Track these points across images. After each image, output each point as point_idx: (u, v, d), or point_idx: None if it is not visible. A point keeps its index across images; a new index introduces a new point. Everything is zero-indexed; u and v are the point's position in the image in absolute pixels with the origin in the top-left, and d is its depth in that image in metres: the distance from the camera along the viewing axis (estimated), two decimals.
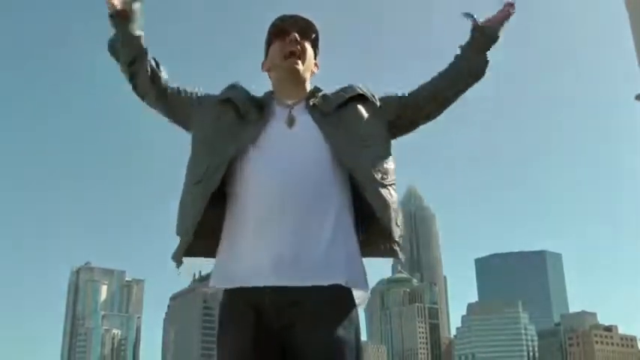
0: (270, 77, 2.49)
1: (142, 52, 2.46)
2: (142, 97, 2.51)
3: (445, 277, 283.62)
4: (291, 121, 2.30)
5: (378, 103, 2.44)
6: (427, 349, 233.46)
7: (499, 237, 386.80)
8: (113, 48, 2.48)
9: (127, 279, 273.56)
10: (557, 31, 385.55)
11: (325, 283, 2.12)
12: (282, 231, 2.15)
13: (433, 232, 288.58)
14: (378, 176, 2.26)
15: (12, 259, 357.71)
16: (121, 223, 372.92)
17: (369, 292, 2.29)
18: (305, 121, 2.31)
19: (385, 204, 2.25)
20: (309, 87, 2.45)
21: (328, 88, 2.48)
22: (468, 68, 2.49)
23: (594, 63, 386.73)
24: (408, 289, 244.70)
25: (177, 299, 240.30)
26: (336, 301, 2.15)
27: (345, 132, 2.28)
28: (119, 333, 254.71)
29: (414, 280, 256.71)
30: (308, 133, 2.28)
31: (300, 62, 2.39)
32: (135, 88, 2.51)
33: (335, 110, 2.33)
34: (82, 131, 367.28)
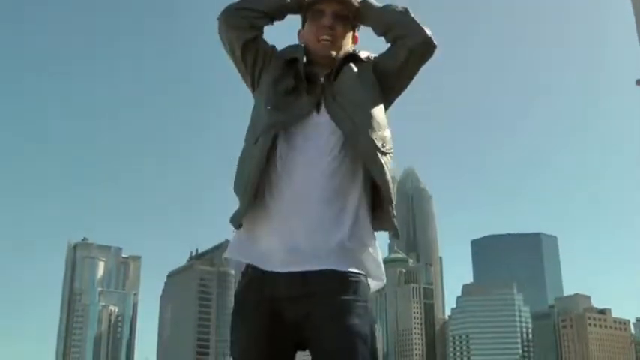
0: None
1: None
2: (245, 40, 2.48)
3: (441, 258, 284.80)
4: (318, 107, 2.35)
5: (373, 62, 2.47)
6: (422, 329, 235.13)
7: (495, 219, 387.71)
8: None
9: (123, 255, 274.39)
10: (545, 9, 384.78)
11: (341, 269, 2.15)
12: (298, 221, 2.18)
13: (430, 213, 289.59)
14: (379, 143, 2.28)
15: (8, 235, 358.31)
16: (118, 200, 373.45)
17: (384, 281, 2.33)
18: (323, 103, 2.36)
19: (383, 172, 2.26)
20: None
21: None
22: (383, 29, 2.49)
23: (595, 44, 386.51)
24: (404, 269, 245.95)
25: (173, 276, 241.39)
26: (351, 289, 2.16)
27: (341, 101, 2.32)
28: (116, 309, 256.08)
29: (410, 261, 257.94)
30: (324, 118, 2.32)
31: (333, 48, 2.43)
32: (252, 37, 2.49)
33: (334, 79, 2.38)
34: (79, 108, 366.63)
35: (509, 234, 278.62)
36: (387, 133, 2.35)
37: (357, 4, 2.45)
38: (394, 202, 2.30)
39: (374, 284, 2.27)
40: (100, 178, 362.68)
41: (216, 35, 2.47)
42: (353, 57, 2.45)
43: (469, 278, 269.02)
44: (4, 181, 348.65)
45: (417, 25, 2.39)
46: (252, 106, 2.47)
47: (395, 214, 2.31)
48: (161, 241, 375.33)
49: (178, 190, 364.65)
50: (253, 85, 2.51)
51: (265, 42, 2.50)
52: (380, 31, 2.48)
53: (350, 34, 2.50)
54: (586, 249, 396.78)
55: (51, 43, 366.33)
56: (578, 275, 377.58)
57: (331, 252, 2.16)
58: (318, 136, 2.28)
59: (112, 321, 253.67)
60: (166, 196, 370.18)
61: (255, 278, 2.22)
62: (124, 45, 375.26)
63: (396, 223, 2.33)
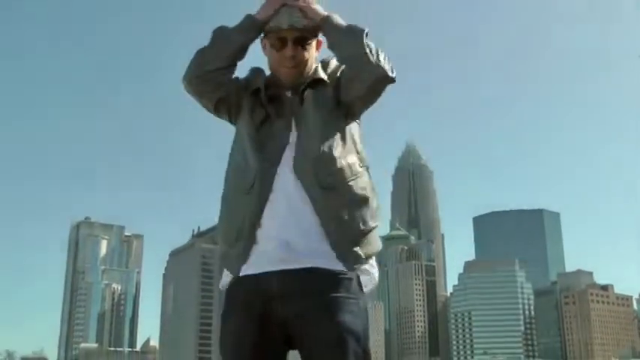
0: (268, 63, 2.54)
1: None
2: (211, 91, 2.48)
3: (443, 235, 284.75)
4: (289, 126, 2.38)
5: (334, 83, 2.45)
6: (423, 306, 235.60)
7: (497, 195, 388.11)
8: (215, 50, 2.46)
9: (126, 234, 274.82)
10: None
11: (333, 267, 2.17)
12: (290, 223, 2.21)
13: (431, 190, 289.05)
14: (322, 178, 2.27)
15: (12, 215, 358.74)
16: (120, 178, 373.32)
17: (377, 280, 2.32)
18: (294, 120, 2.39)
19: (329, 209, 2.24)
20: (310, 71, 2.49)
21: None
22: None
23: (598, 16, 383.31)
24: (405, 247, 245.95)
25: (176, 255, 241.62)
26: (343, 287, 2.17)
27: (304, 126, 2.35)
28: (119, 287, 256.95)
29: (412, 238, 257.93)
30: (295, 137, 2.35)
31: (299, 74, 2.43)
32: (216, 87, 2.46)
33: (300, 101, 2.40)
34: (81, 85, 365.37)
35: (511, 210, 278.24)
36: (342, 162, 2.31)
37: (318, 21, 2.42)
38: (362, 229, 2.28)
39: (365, 280, 2.27)
40: (101, 158, 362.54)
41: None
42: (317, 79, 2.44)
43: (471, 255, 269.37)
44: (6, 163, 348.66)
45: (370, 65, 2.31)
46: (235, 137, 2.48)
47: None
48: (163, 220, 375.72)
49: (180, 168, 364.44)
50: (232, 122, 2.53)
51: (235, 83, 2.49)
52: (336, 57, 2.49)
53: (314, 46, 2.48)
54: (589, 225, 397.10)
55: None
56: (581, 251, 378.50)
57: (323, 250, 2.17)
58: (295, 152, 2.31)
59: (115, 299, 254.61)
60: (168, 174, 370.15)
61: (246, 277, 2.22)
62: None
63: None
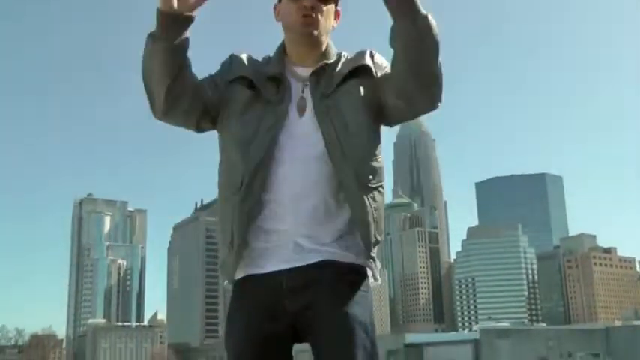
0: (282, 29, 2.31)
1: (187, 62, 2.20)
2: (174, 111, 2.24)
3: (445, 202, 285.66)
4: (301, 110, 2.20)
5: (378, 77, 2.25)
6: (427, 273, 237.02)
7: (500, 161, 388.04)
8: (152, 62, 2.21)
9: (129, 209, 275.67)
10: None
11: (339, 259, 2.14)
12: (294, 219, 2.13)
13: (433, 157, 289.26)
14: (365, 179, 2.17)
15: (16, 194, 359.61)
16: (121, 154, 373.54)
17: (379, 280, 2.29)
18: (309, 106, 2.21)
19: (365, 211, 2.16)
20: (324, 47, 2.28)
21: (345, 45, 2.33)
22: (405, 41, 2.10)
23: None
24: (408, 214, 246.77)
25: (179, 228, 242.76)
26: (350, 279, 2.15)
27: (335, 120, 2.17)
28: (124, 263, 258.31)
29: (415, 205, 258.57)
30: (310, 124, 2.19)
31: (316, 29, 2.22)
32: (172, 106, 2.22)
33: (334, 90, 2.21)
34: (80, 61, 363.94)
35: (513, 175, 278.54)
36: (377, 163, 2.22)
37: (414, 14, 2.08)
38: (378, 240, 2.22)
39: (371, 275, 2.24)
40: (102, 133, 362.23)
41: None
42: (353, 67, 2.24)
43: (474, 221, 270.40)
44: (10, 144, 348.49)
45: (437, 92, 2.17)
46: (221, 143, 2.29)
47: (375, 254, 2.21)
48: (166, 194, 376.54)
49: (181, 142, 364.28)
50: (215, 127, 2.32)
51: (211, 90, 2.25)
52: (395, 51, 2.12)
53: (332, 11, 2.27)
54: (591, 189, 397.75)
55: None
56: (584, 215, 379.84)
57: (329, 244, 2.14)
58: (305, 141, 2.16)
59: (121, 274, 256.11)
60: (170, 148, 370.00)
61: (255, 275, 2.18)
62: None
63: (373, 267, 2.21)
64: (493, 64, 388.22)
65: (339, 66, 2.26)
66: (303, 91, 2.22)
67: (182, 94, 2.18)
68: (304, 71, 2.25)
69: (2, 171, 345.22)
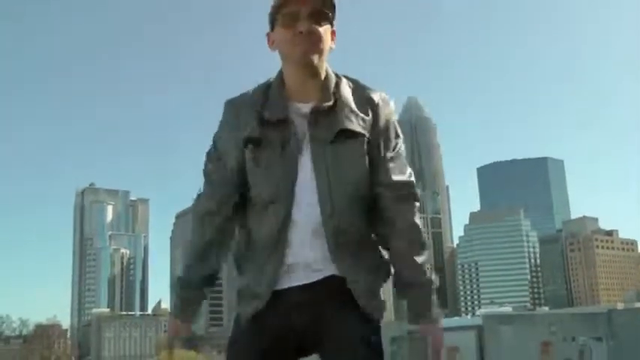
0: (280, 57, 2.21)
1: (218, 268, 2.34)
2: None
3: (447, 187, 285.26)
4: (300, 149, 2.13)
5: (380, 148, 2.21)
6: (430, 258, 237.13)
7: (501, 145, 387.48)
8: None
9: (131, 198, 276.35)
10: None
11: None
12: (298, 242, 2.13)
13: (434, 142, 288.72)
14: (344, 231, 2.13)
15: (16, 183, 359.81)
16: (122, 143, 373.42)
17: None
18: (307, 150, 2.14)
19: (349, 267, 2.14)
20: (324, 73, 2.18)
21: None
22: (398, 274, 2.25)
23: None
24: None
25: (182, 217, 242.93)
26: (354, 293, 2.14)
27: (331, 174, 2.12)
28: (127, 252, 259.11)
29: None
30: (309, 169, 2.13)
31: (314, 52, 2.11)
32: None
33: (334, 139, 2.13)
34: (81, 49, 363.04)
35: (515, 159, 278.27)
36: (360, 220, 2.18)
37: (334, 1, 2.12)
38: (375, 291, 2.21)
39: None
40: (103, 122, 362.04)
41: None
42: (358, 127, 2.15)
43: (476, 206, 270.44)
44: (10, 133, 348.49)
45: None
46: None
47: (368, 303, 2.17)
48: (168, 183, 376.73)
49: (183, 130, 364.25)
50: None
51: (224, 172, 2.24)
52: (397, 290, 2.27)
53: (329, 32, 2.17)
54: (593, 171, 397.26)
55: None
56: (586, 198, 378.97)
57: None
58: (307, 186, 2.11)
59: (125, 264, 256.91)
60: (171, 137, 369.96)
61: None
62: None
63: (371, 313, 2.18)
64: (493, 46, 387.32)
65: (343, 106, 2.16)
66: (305, 129, 2.15)
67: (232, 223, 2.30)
68: (305, 107, 2.16)
69: (4, 161, 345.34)
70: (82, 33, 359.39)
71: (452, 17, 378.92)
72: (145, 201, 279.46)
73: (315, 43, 2.10)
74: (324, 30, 2.13)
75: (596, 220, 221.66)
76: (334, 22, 2.18)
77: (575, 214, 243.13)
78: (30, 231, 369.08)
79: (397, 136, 2.25)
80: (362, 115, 2.17)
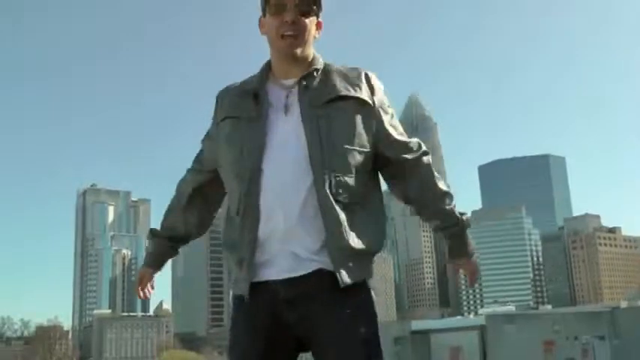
0: (268, 44, 2.34)
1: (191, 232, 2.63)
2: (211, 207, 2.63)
3: (449, 186, 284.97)
4: (287, 111, 2.23)
5: (377, 111, 2.30)
6: (432, 257, 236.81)
7: (502, 143, 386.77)
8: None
9: (133, 199, 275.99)
10: None
11: (332, 269, 2.13)
12: (287, 231, 2.15)
13: (435, 140, 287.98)
14: (336, 191, 2.15)
15: (17, 184, 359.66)
16: (123, 144, 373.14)
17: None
18: (295, 110, 2.23)
19: (335, 222, 2.15)
20: (310, 57, 2.32)
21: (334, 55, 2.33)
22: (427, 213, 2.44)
23: None
24: None
25: None
26: (351, 288, 2.14)
27: (322, 131, 2.18)
28: (129, 253, 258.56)
29: None
30: (296, 127, 2.20)
31: (298, 44, 2.25)
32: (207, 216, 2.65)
33: (325, 104, 2.21)
34: (82, 49, 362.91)
35: (516, 157, 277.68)
36: (358, 184, 2.21)
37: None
38: (357, 250, 2.18)
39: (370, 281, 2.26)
40: (104, 123, 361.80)
41: None
42: (349, 95, 2.25)
43: (477, 204, 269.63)
44: (11, 136, 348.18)
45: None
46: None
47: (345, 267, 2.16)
48: (169, 183, 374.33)
49: (184, 130, 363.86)
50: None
51: (210, 152, 2.44)
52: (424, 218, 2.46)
53: (314, 23, 2.30)
54: (595, 168, 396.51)
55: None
56: (588, 195, 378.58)
57: (320, 252, 2.14)
58: (289, 144, 2.19)
59: (126, 264, 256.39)
60: (171, 136, 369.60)
61: (255, 285, 2.18)
62: None
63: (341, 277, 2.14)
64: (494, 44, 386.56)
65: (332, 77, 2.28)
66: (287, 97, 2.24)
67: (214, 209, 2.64)
68: (288, 81, 2.28)
69: (5, 162, 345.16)
70: (82, 33, 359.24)
71: (452, 15, 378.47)
72: (146, 201, 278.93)
73: (299, 31, 2.23)
74: (310, 21, 2.26)
75: (598, 217, 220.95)
76: (320, 14, 2.31)
77: (577, 212, 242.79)
78: (31, 232, 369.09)
79: (390, 105, 2.37)
80: (355, 81, 2.29)
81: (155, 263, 2.61)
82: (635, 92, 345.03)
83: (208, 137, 2.45)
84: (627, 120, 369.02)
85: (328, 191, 2.13)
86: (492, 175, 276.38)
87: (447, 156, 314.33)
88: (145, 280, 2.59)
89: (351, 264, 2.15)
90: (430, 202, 2.37)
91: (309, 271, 2.13)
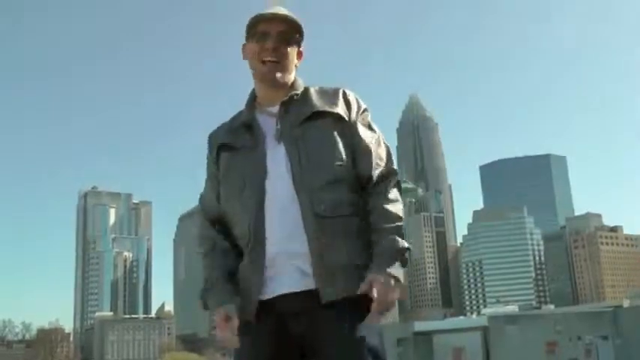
0: (250, 70, 2.44)
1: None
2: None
3: (450, 186, 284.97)
4: (278, 140, 2.31)
5: (353, 125, 2.35)
6: (434, 257, 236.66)
7: (503, 142, 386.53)
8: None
9: (134, 201, 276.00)
10: None
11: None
12: (284, 247, 2.22)
13: (436, 141, 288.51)
14: (317, 207, 2.21)
15: (18, 187, 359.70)
16: (124, 145, 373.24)
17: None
18: (278, 138, 2.31)
19: (315, 239, 2.19)
20: (290, 82, 2.40)
21: (317, 78, 2.42)
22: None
23: None
24: (413, 199, 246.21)
25: (185, 219, 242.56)
26: (357, 303, 2.15)
27: (301, 150, 2.26)
28: (130, 255, 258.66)
29: (419, 190, 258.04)
30: (282, 152, 2.28)
31: (278, 69, 2.35)
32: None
33: (303, 122, 2.31)
34: (82, 50, 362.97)
35: (517, 157, 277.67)
36: (340, 196, 2.25)
37: (301, 24, 2.38)
38: (340, 264, 2.20)
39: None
40: (104, 125, 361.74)
41: None
42: (326, 110, 2.34)
43: (479, 204, 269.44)
44: (11, 138, 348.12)
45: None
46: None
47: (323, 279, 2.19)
48: (171, 185, 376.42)
49: (185, 132, 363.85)
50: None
51: (216, 172, 2.44)
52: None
53: (295, 52, 2.41)
54: (596, 167, 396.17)
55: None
56: (589, 194, 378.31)
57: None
58: (280, 169, 2.26)
59: (128, 266, 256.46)
60: (173, 139, 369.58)
61: (260, 301, 2.24)
62: None
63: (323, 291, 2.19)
64: (494, 44, 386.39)
65: (310, 98, 2.37)
66: (277, 124, 2.31)
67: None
68: (274, 108, 2.35)
69: (5, 165, 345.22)
70: (82, 34, 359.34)
71: (452, 15, 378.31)
72: (147, 203, 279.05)
73: (280, 58, 2.33)
74: (291, 49, 2.37)
75: (599, 216, 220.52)
76: (301, 44, 2.42)
77: (578, 211, 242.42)
78: (32, 234, 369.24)
79: (373, 127, 2.42)
80: (332, 99, 2.37)
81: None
82: (635, 92, 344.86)
83: (210, 178, 2.47)
84: (628, 119, 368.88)
85: (309, 209, 2.19)
86: (494, 175, 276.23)
87: (448, 156, 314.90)
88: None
89: (338, 279, 2.18)
90: (374, 222, 2.26)
91: (311, 287, 2.17)
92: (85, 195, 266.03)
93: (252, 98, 2.43)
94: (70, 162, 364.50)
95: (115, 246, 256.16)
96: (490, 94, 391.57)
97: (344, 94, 2.40)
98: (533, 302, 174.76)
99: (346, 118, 2.34)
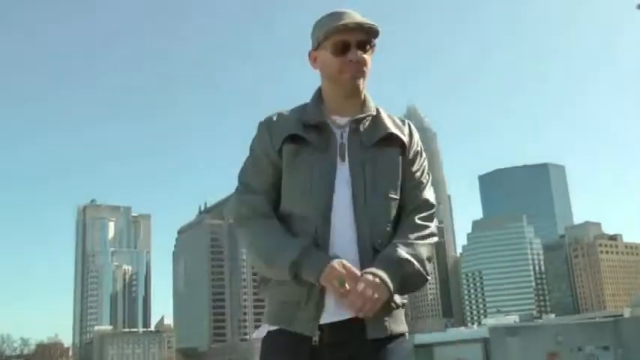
0: (321, 78, 2.36)
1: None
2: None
3: (449, 196, 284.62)
4: (342, 155, 2.24)
5: (411, 158, 2.34)
6: (434, 268, 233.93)
7: (502, 152, 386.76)
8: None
9: (133, 214, 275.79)
10: None
11: (367, 322, 2.12)
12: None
13: (435, 152, 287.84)
14: (374, 241, 2.17)
15: (17, 201, 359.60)
16: (123, 159, 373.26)
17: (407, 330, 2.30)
18: (347, 153, 2.25)
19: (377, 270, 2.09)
20: (363, 95, 2.33)
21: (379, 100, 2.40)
22: None
23: None
24: None
25: (184, 232, 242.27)
26: (394, 341, 2.18)
27: (368, 175, 2.22)
28: (130, 268, 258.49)
29: None
30: (347, 171, 2.22)
31: (360, 81, 2.28)
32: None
33: (375, 144, 2.26)
34: (79, 60, 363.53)
35: (516, 166, 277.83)
36: (390, 230, 2.23)
37: (379, 29, 2.29)
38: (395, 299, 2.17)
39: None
40: (104, 138, 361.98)
41: None
42: (396, 135, 2.31)
43: (478, 214, 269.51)
44: (12, 148, 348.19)
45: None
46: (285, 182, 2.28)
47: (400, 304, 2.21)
48: (170, 198, 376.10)
49: (184, 145, 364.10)
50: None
51: (271, 177, 2.28)
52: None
53: (371, 59, 2.34)
54: (594, 176, 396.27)
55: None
56: (588, 203, 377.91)
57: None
58: (346, 188, 2.20)
59: (127, 280, 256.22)
60: (172, 152, 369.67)
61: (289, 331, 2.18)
62: None
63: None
64: (492, 53, 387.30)
65: (382, 120, 2.32)
66: (342, 138, 2.25)
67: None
68: (342, 120, 2.28)
69: (4, 178, 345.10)
70: (82, 33, 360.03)
71: (451, 24, 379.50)
72: (146, 217, 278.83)
73: (362, 70, 2.25)
74: (369, 56, 2.30)
75: (599, 225, 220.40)
76: (374, 49, 2.34)
77: (577, 220, 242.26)
78: (31, 248, 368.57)
79: (426, 169, 2.39)
80: (401, 127, 2.34)
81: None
82: (634, 100, 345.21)
83: (259, 158, 2.30)
84: (626, 127, 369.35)
85: (368, 240, 2.16)
86: (493, 184, 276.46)
87: (447, 166, 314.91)
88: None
89: (384, 317, 2.15)
90: (400, 234, 2.22)
91: (349, 317, 2.10)
92: (84, 208, 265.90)
93: (320, 101, 2.34)
94: (69, 175, 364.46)
95: (114, 259, 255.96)
96: (488, 104, 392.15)
97: (409, 125, 2.38)
98: (534, 312, 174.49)
99: (407, 148, 2.32)
